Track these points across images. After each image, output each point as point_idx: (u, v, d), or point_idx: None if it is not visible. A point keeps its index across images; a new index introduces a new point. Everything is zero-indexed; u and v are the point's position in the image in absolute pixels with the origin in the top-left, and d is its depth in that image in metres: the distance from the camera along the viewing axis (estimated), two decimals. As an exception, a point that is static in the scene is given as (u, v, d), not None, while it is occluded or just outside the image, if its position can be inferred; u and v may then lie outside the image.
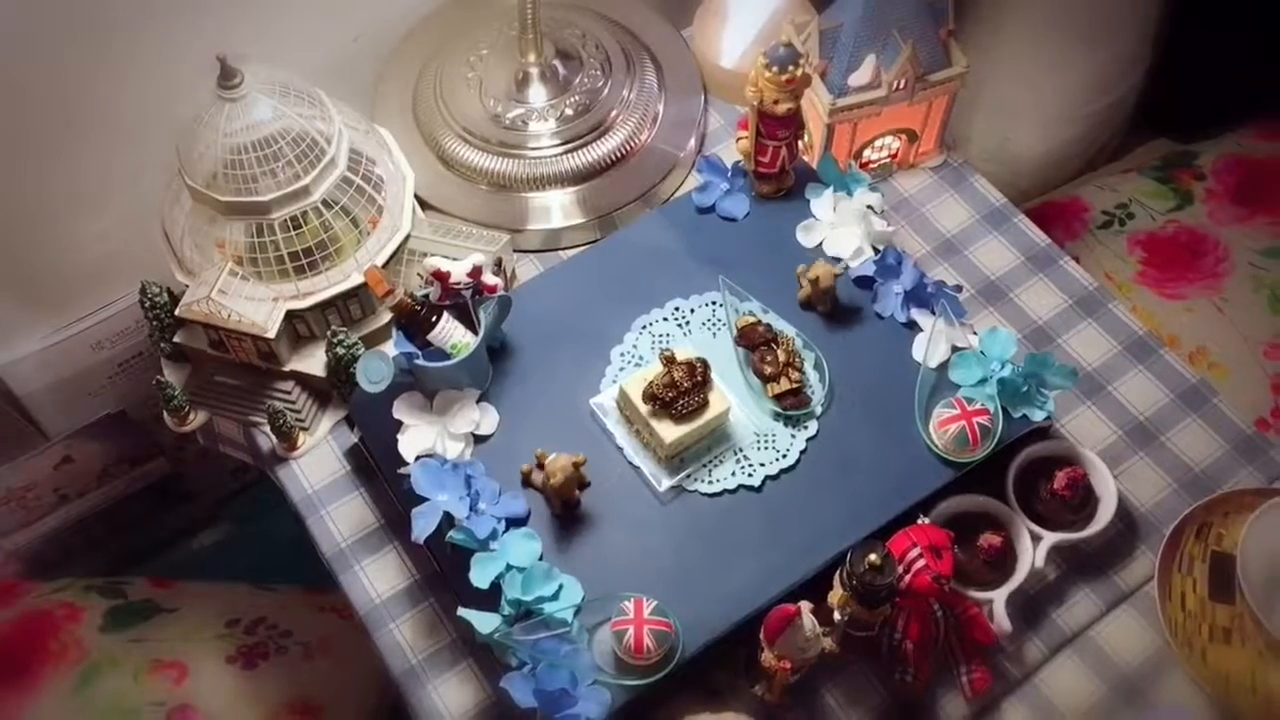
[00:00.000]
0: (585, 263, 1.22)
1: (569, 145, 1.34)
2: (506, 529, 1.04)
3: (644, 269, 1.16)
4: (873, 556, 0.95)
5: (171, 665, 1.47)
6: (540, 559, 1.02)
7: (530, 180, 1.34)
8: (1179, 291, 1.76)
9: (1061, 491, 1.09)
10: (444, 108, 1.36)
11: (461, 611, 1.00)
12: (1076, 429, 1.18)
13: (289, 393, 1.20)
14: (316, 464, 1.20)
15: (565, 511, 1.05)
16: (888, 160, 1.38)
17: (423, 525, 1.02)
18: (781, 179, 1.24)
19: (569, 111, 1.35)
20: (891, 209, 1.34)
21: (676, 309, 1.18)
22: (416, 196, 1.31)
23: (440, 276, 1.05)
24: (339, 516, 1.18)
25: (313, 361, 1.20)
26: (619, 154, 1.35)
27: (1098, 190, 1.90)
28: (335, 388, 1.18)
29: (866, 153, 1.36)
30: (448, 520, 1.03)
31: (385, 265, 1.19)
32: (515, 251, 1.33)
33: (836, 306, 1.16)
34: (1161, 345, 1.27)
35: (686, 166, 1.39)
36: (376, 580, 1.13)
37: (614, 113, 1.36)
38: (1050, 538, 1.06)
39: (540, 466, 1.04)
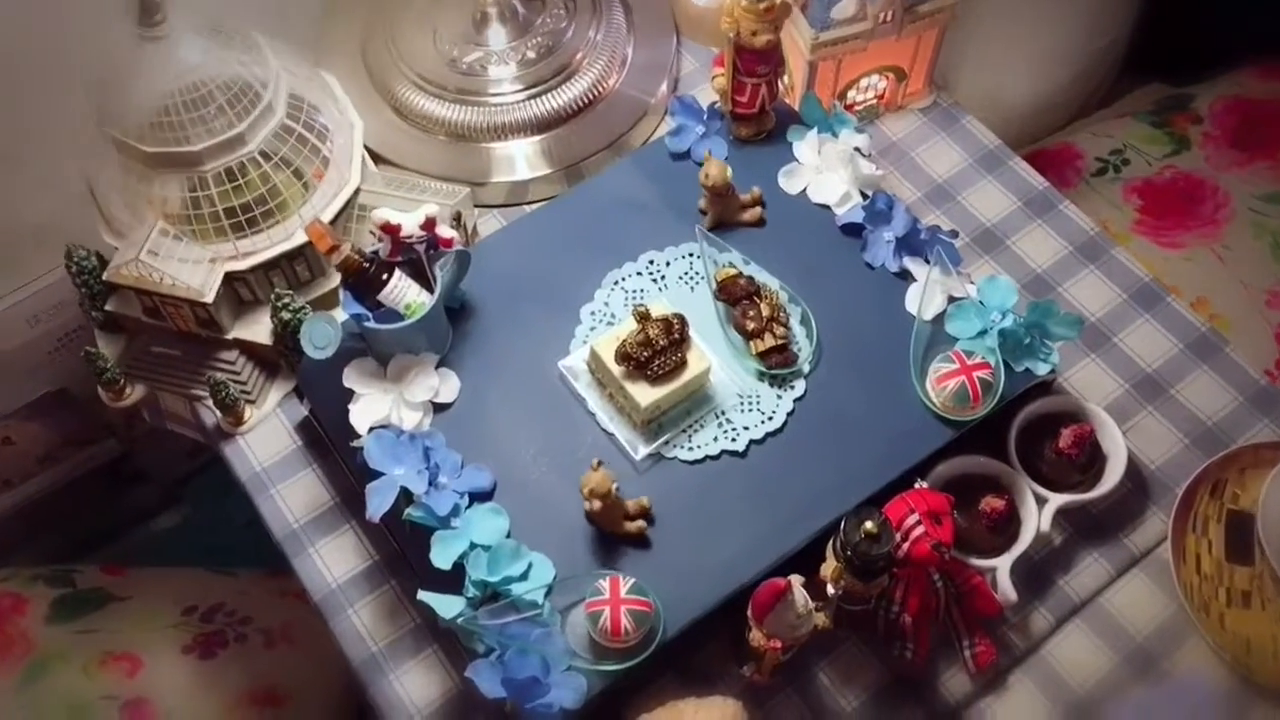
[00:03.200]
0: (551, 215, 1.13)
1: (531, 91, 1.25)
2: (470, 504, 0.96)
3: (615, 221, 1.09)
4: (868, 524, 0.88)
5: (124, 657, 1.39)
6: (508, 536, 0.94)
7: (491, 129, 1.24)
8: (1177, 240, 1.69)
9: (1067, 450, 1.02)
10: (396, 52, 1.27)
11: (422, 595, 0.91)
12: (1080, 383, 1.11)
13: (232, 363, 1.11)
14: (265, 439, 1.11)
15: (634, 526, 0.95)
16: (874, 102, 1.29)
17: (378, 502, 0.94)
18: (761, 120, 1.15)
19: (531, 54, 1.26)
20: (879, 154, 1.26)
21: (651, 263, 1.09)
22: (368, 149, 1.22)
23: (390, 230, 0.96)
24: (291, 495, 1.09)
25: (258, 329, 1.11)
26: (585, 100, 1.26)
27: (1091, 137, 1.82)
28: (283, 356, 1.09)
29: (851, 94, 1.27)
30: (405, 496, 0.95)
31: (333, 221, 1.09)
32: (477, 207, 1.24)
33: (811, 246, 1.09)
34: (1168, 293, 1.19)
35: (658, 113, 1.29)
36: (333, 562, 1.05)
37: (579, 55, 1.27)
38: (1056, 500, 1.01)
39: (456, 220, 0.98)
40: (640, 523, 0.94)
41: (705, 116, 1.15)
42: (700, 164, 1.14)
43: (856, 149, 1.13)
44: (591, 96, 1.27)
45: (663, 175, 1.12)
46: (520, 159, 1.25)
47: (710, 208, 1.09)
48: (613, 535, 0.95)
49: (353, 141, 1.13)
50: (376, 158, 1.25)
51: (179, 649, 1.41)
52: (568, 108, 1.26)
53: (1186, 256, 1.65)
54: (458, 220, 1.14)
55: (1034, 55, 1.76)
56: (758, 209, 1.09)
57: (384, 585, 1.05)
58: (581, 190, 1.15)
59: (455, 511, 0.95)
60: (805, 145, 1.14)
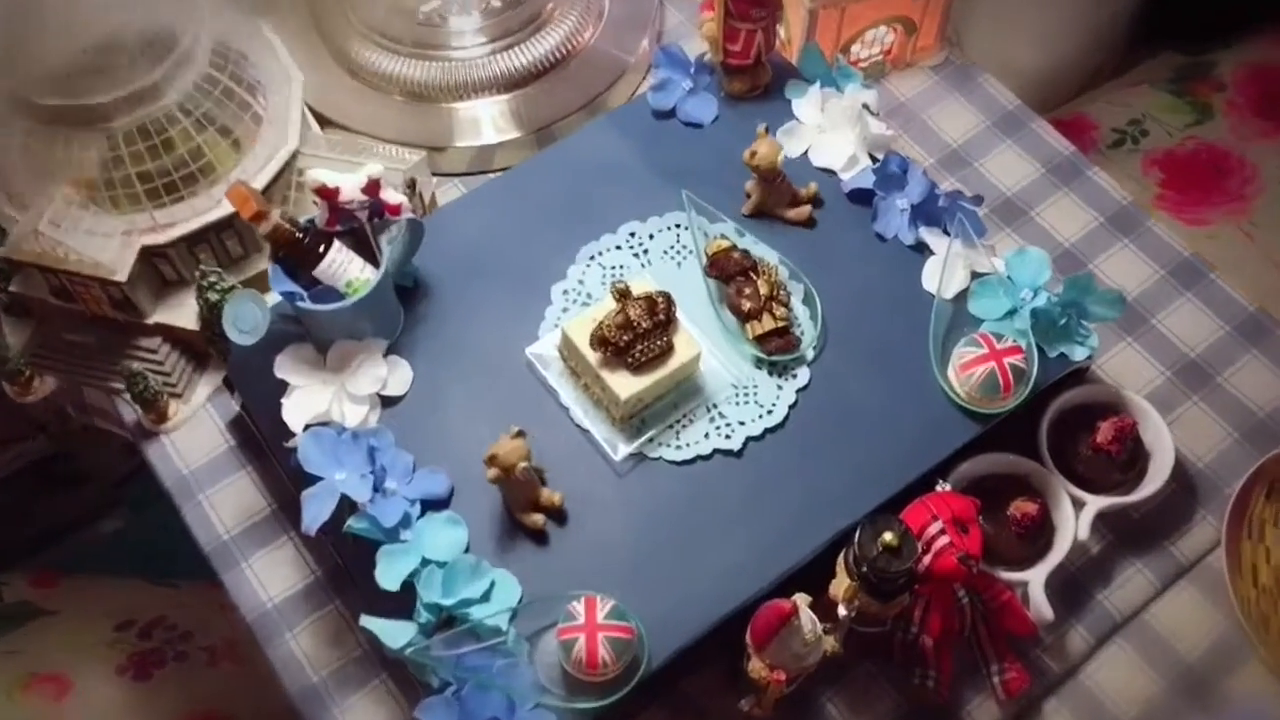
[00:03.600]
0: (518, 181, 1.00)
1: (497, 44, 1.13)
2: (423, 513, 0.83)
3: (591, 187, 0.98)
4: (887, 535, 0.76)
5: (51, 678, 1.25)
6: (466, 550, 0.82)
7: (453, 88, 1.12)
8: (1201, 216, 1.57)
9: (1107, 446, 0.90)
10: (351, 4, 1.13)
11: (365, 621, 0.79)
12: (1116, 371, 1.00)
13: (155, 351, 0.97)
14: (193, 438, 0.99)
15: (536, 519, 0.84)
16: (880, 58, 1.17)
17: (314, 512, 0.81)
18: (756, 74, 1.01)
19: (496, 3, 1.13)
20: (886, 116, 1.12)
21: (632, 235, 0.96)
22: (314, 112, 1.08)
23: (326, 194, 0.82)
24: (222, 502, 0.96)
25: (183, 312, 0.97)
26: (557, 55, 1.14)
27: (1106, 106, 1.70)
28: (212, 344, 0.95)
29: (855, 49, 1.14)
30: (348, 505, 0.81)
31: (268, 189, 0.96)
32: (437, 175, 1.10)
33: (815, 217, 0.97)
34: (1210, 269, 1.06)
35: (640, 71, 1.16)
36: (268, 579, 0.93)
37: (550, 5, 1.14)
38: (1095, 503, 0.91)
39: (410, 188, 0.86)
40: (542, 517, 0.83)
41: (693, 69, 1.02)
42: (688, 123, 1.02)
43: (865, 106, 0.99)
44: (564, 52, 1.14)
45: (645, 136, 1.00)
46: (485, 121, 1.12)
47: (755, 192, 0.95)
48: (513, 521, 0.83)
49: (291, 98, 0.99)
50: (324, 121, 1.11)
51: (112, 669, 1.28)
52: (538, 64, 1.13)
53: (1210, 234, 1.53)
54: (412, 188, 1.00)
55: (1046, 18, 1.63)
56: (807, 209, 0.96)
57: (328, 606, 0.92)
58: (552, 153, 1.02)
59: (405, 522, 0.82)
60: (806, 102, 1.01)
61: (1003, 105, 1.16)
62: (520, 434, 0.79)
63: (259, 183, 0.95)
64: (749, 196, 0.96)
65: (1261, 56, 1.70)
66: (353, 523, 0.82)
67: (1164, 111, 1.67)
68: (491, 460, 0.78)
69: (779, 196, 0.95)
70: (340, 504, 0.82)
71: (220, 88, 0.92)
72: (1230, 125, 1.65)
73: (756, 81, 1.03)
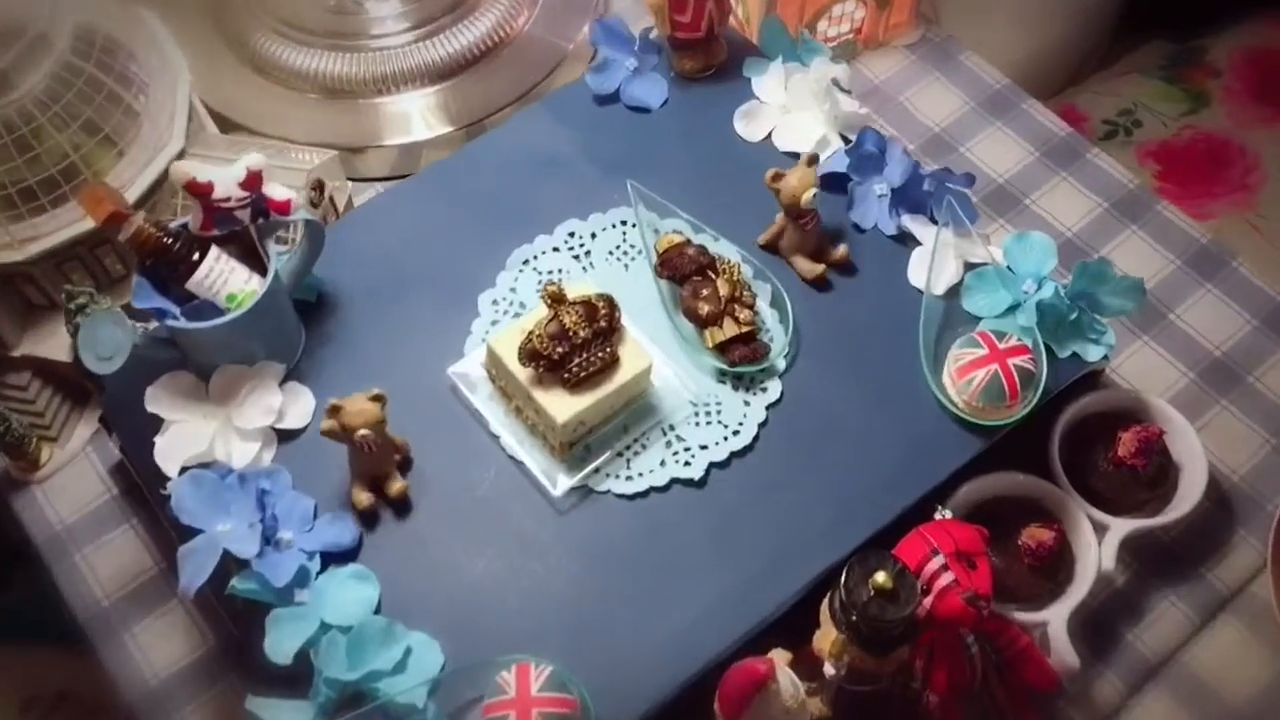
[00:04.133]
0: (440, 178, 0.88)
1: (421, 31, 1.03)
2: (324, 568, 0.69)
3: (524, 183, 0.88)
4: (880, 576, 0.65)
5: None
6: (377, 611, 0.68)
7: (374, 81, 1.01)
8: (1204, 209, 1.47)
9: (1130, 460, 0.80)
10: None
11: (251, 704, 0.65)
12: (1132, 374, 0.88)
13: (22, 388, 0.85)
14: (69, 487, 0.87)
15: (379, 504, 0.73)
16: (850, 37, 1.05)
17: (193, 572, 0.68)
18: (710, 50, 0.90)
19: (418, -15, 1.00)
20: (859, 99, 1.00)
21: (571, 235, 0.84)
22: (218, 116, 0.96)
23: (196, 190, 0.69)
24: (101, 561, 0.84)
25: (55, 342, 0.85)
26: (489, 43, 1.03)
27: (1095, 97, 1.60)
28: (90, 377, 0.81)
29: (821, 26, 1.04)
30: (236, 562, 0.67)
31: (147, 197, 0.82)
32: (360, 180, 0.97)
33: (823, 247, 0.83)
34: (1233, 256, 0.94)
35: (581, 60, 1.05)
36: (153, 652, 0.81)
37: (479, -14, 1.01)
38: (1119, 526, 0.80)
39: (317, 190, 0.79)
40: (369, 498, 0.73)
41: (637, 46, 0.90)
42: (634, 107, 0.89)
43: (834, 82, 0.87)
44: (496, 39, 1.03)
45: (585, 123, 0.90)
46: (414, 117, 1.01)
47: (779, 224, 0.82)
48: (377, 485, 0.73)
49: (176, 92, 0.86)
50: (227, 124, 0.98)
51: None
52: (467, 52, 1.02)
53: (1215, 228, 1.43)
54: (319, 191, 0.87)
55: (1023, 13, 1.52)
56: (821, 267, 0.82)
57: (223, 682, 0.78)
58: (479, 146, 0.90)
59: (301, 579, 0.69)
60: (768, 80, 0.89)
61: (989, 84, 1.05)
62: (380, 398, 0.70)
63: (136, 188, 0.82)
64: (772, 248, 0.84)
65: (1258, 40, 1.61)
66: (236, 583, 0.68)
67: (1157, 100, 1.58)
68: (333, 411, 0.69)
69: (801, 240, 0.81)
70: (226, 561, 0.68)
71: (84, 78, 0.79)
72: (1228, 112, 1.56)
73: (710, 59, 0.91)
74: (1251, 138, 1.52)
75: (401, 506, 0.73)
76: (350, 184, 0.97)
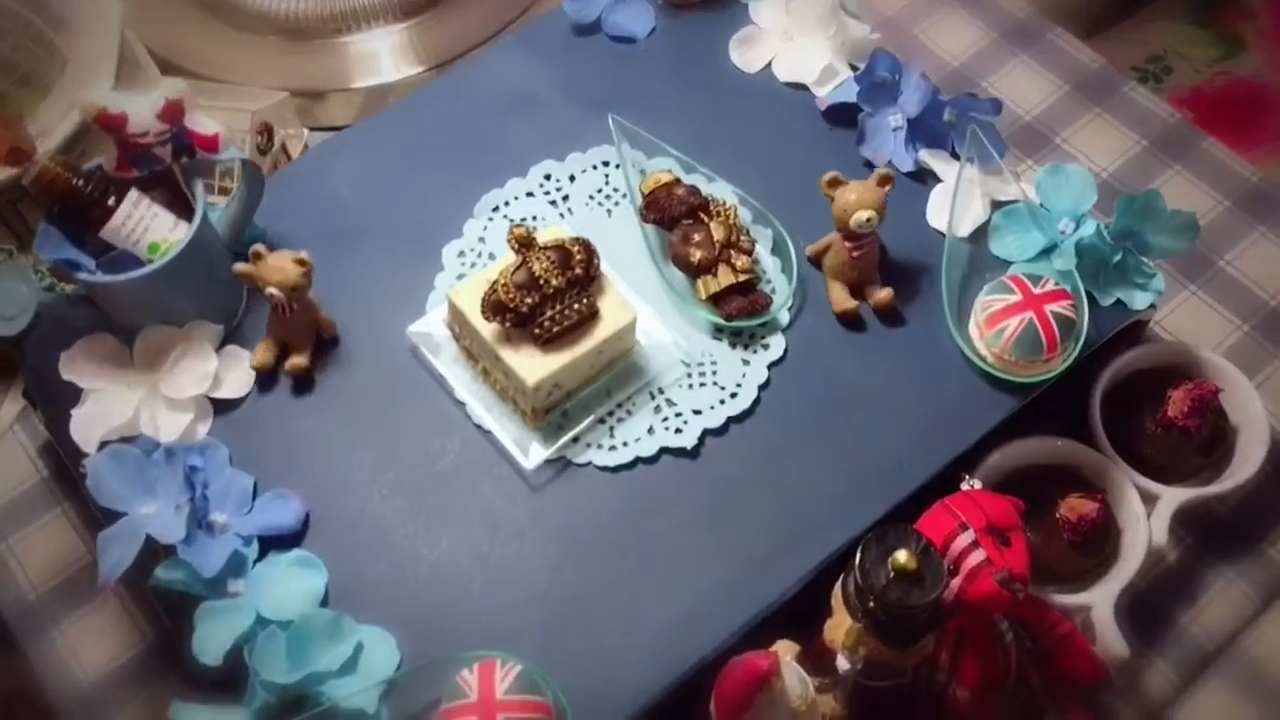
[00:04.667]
0: (402, 118, 0.80)
1: None
2: (263, 554, 0.60)
3: (495, 122, 0.80)
4: (901, 555, 0.57)
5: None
6: (323, 603, 0.59)
7: (335, 18, 0.95)
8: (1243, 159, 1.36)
9: (1182, 421, 0.73)
10: None
11: (176, 711, 0.56)
12: (1178, 327, 0.80)
13: (-61, 360, 0.75)
14: None
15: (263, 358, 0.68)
16: (858, -35, 0.94)
17: (113, 561, 0.61)
18: (702, -28, 0.80)
19: (380, -88, 0.91)
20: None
21: (547, 178, 0.75)
22: (166, 63, 0.87)
23: (107, 123, 0.60)
24: (29, 549, 0.76)
25: (-26, 307, 0.74)
26: None
27: (1120, 44, 1.50)
28: (10, 345, 0.73)
29: (826, -47, 0.92)
30: (166, 548, 0.59)
31: (74, 148, 0.73)
32: (323, 130, 0.89)
33: (782, 144, 0.74)
34: (1286, 194, 0.85)
35: (559, -2, 0.95)
36: (85, 650, 0.73)
37: (449, -87, 0.92)
38: (1171, 496, 0.72)
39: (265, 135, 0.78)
40: (269, 361, 0.68)
41: (621, -31, 0.80)
42: (617, 38, 0.80)
43: (841, 4, 0.78)
44: None
45: (562, 56, 0.82)
46: (380, 57, 0.94)
47: (829, 243, 0.71)
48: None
49: (105, 31, 0.77)
50: (178, 71, 0.90)
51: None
52: None
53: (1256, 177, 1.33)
54: (267, 135, 0.78)
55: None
56: (854, 304, 0.70)
57: (159, 683, 0.69)
58: (444, 82, 0.82)
59: (236, 567, 0.61)
60: (767, 5, 0.82)
61: (1011, 14, 0.96)
62: (304, 262, 0.65)
63: (56, 135, 0.74)
64: (814, 263, 0.73)
65: (1291, -21, 1.50)
66: (160, 573, 0.60)
67: (1188, 45, 1.48)
68: (255, 257, 0.65)
69: (844, 267, 0.70)
70: (155, 548, 0.60)
71: (-6, 9, 0.70)
72: (1265, 58, 1.46)
73: (702, -18, 0.81)
74: (1292, 82, 1.42)
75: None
76: (309, 133, 0.88)
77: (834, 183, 0.68)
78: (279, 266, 0.64)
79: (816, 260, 0.72)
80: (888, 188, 0.68)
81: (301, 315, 0.67)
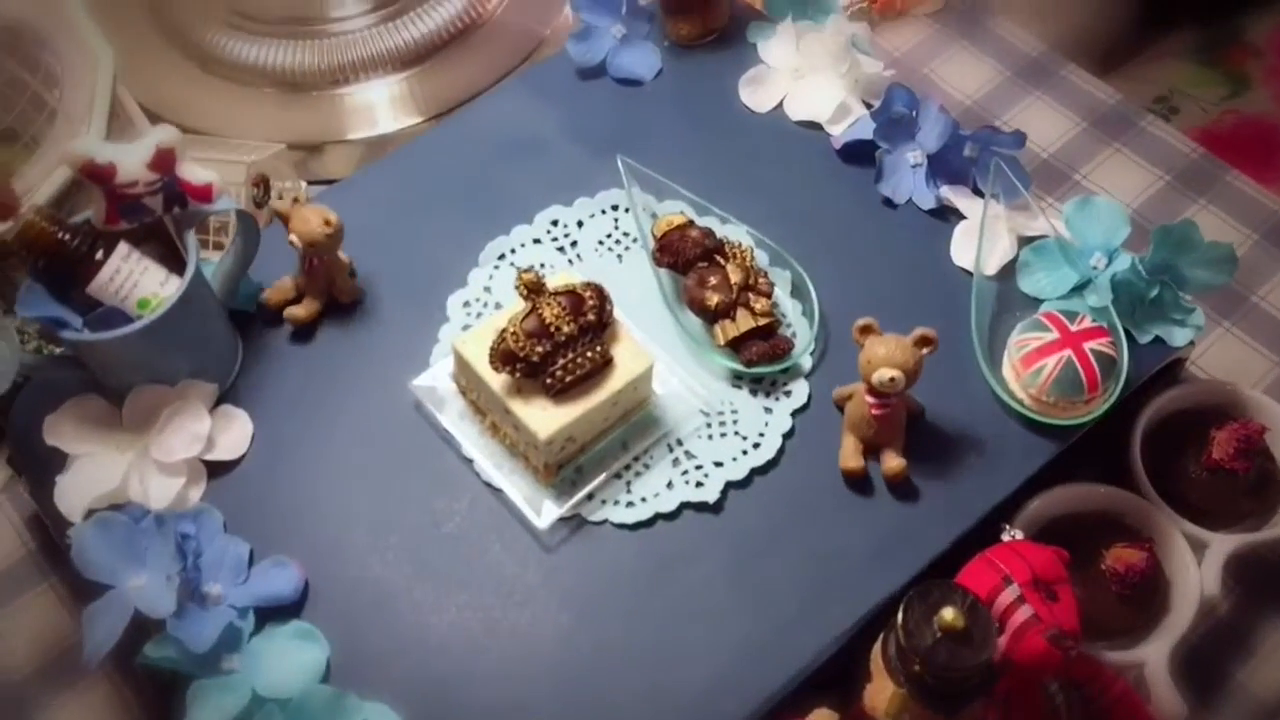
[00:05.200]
0: (400, 165, 0.77)
1: (384, 13, 0.92)
2: (260, 626, 0.56)
3: (498, 168, 0.77)
4: (947, 612, 0.54)
5: None
6: (324, 679, 0.55)
7: (333, 70, 0.92)
8: (1258, 198, 1.33)
9: (1229, 463, 0.70)
10: None
11: (167, 799, 0.52)
12: (1213, 365, 0.76)
13: (-79, 427, 0.71)
14: None
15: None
16: (865, 6, 0.93)
17: (99, 637, 0.58)
18: (708, 13, 0.80)
19: (376, -37, 0.89)
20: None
21: (555, 224, 0.72)
22: (159, 117, 0.84)
23: (96, 174, 0.57)
24: (16, 628, 0.72)
25: (-41, 371, 0.71)
26: (458, 26, 0.94)
27: (1127, 84, 1.47)
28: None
29: (832, -5, 0.90)
30: (154, 623, 0.55)
31: (63, 204, 0.71)
32: (318, 184, 0.86)
33: (798, 183, 0.71)
34: (1319, 228, 0.82)
35: (557, 46, 0.93)
36: None
37: (444, -35, 0.91)
38: (1222, 543, 0.68)
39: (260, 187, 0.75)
40: (303, 311, 0.69)
41: (624, 11, 0.79)
42: (623, 80, 0.79)
43: (853, 40, 0.75)
44: (466, 21, 0.94)
45: (567, 99, 0.80)
46: (378, 108, 0.91)
47: (852, 392, 0.64)
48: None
49: (95, 85, 0.75)
50: (175, 127, 0.86)
51: None
52: (435, 36, 0.93)
53: (1271, 217, 1.30)
54: (263, 188, 0.75)
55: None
56: (901, 463, 0.63)
57: (151, 768, 0.64)
58: (446, 128, 0.80)
59: (230, 642, 0.56)
60: (776, 43, 0.79)
61: (1024, 52, 0.94)
62: (330, 224, 0.65)
63: (45, 190, 0.71)
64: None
65: (1298, 16, 1.49)
66: (149, 650, 0.56)
67: (1194, 85, 1.46)
68: (294, 200, 0.66)
69: (860, 421, 0.63)
70: (145, 623, 0.56)
71: (-21, 62, 0.68)
72: (1273, 95, 1.43)
73: (710, 23, 0.80)
74: (1302, 119, 1.40)
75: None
76: (306, 186, 0.85)
77: (865, 330, 0.60)
78: (305, 219, 0.65)
79: (841, 404, 0.65)
80: (926, 350, 0.59)
81: (320, 271, 0.67)
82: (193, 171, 0.60)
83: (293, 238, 0.65)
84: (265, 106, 0.91)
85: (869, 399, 0.61)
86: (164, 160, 0.59)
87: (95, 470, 0.61)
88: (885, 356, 0.59)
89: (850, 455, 0.63)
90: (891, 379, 0.59)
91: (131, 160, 0.59)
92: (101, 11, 0.84)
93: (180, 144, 0.59)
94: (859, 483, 0.63)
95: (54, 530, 0.66)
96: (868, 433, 0.63)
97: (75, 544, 0.58)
